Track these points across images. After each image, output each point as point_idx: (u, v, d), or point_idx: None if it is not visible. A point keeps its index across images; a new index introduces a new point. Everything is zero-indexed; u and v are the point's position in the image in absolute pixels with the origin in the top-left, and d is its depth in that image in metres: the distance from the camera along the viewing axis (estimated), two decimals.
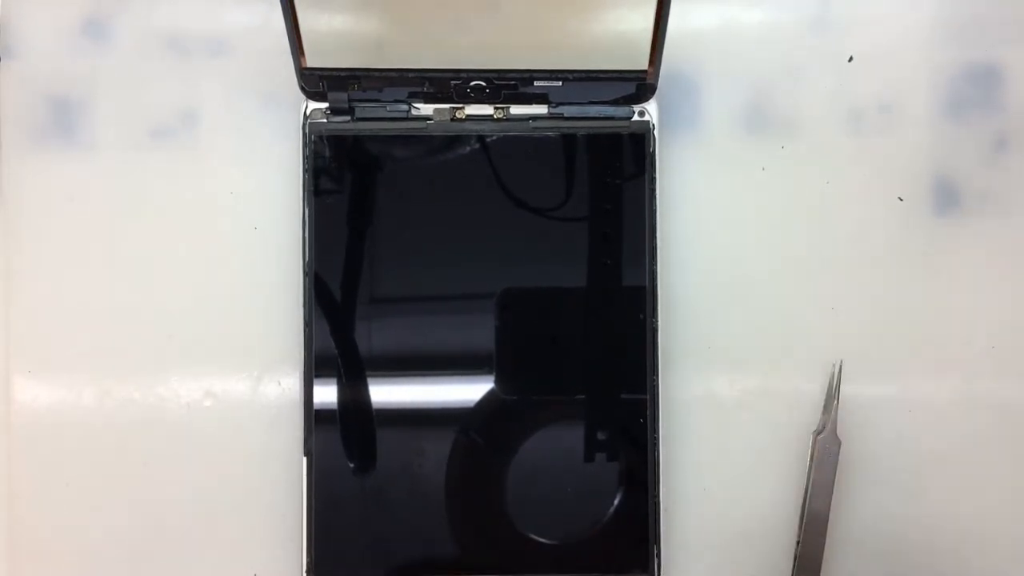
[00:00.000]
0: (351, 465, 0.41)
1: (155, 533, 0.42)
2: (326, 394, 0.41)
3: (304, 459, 0.41)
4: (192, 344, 0.43)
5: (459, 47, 0.40)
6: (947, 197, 0.43)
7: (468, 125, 0.41)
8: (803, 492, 0.42)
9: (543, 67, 0.40)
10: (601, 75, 0.40)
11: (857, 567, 0.42)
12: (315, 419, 0.41)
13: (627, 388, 0.41)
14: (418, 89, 0.40)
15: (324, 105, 0.41)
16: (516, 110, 0.41)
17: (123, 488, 0.42)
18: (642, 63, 0.40)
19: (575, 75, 0.40)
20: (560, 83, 0.40)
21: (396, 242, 0.41)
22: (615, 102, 0.41)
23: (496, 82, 0.40)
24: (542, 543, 0.41)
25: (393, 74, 0.40)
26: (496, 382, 0.41)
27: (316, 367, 0.41)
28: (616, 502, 0.41)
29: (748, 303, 0.43)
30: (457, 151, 0.41)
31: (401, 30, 0.40)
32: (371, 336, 0.41)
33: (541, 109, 0.41)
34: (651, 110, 0.41)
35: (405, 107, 0.41)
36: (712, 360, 0.43)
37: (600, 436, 0.41)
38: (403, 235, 0.41)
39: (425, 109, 0.41)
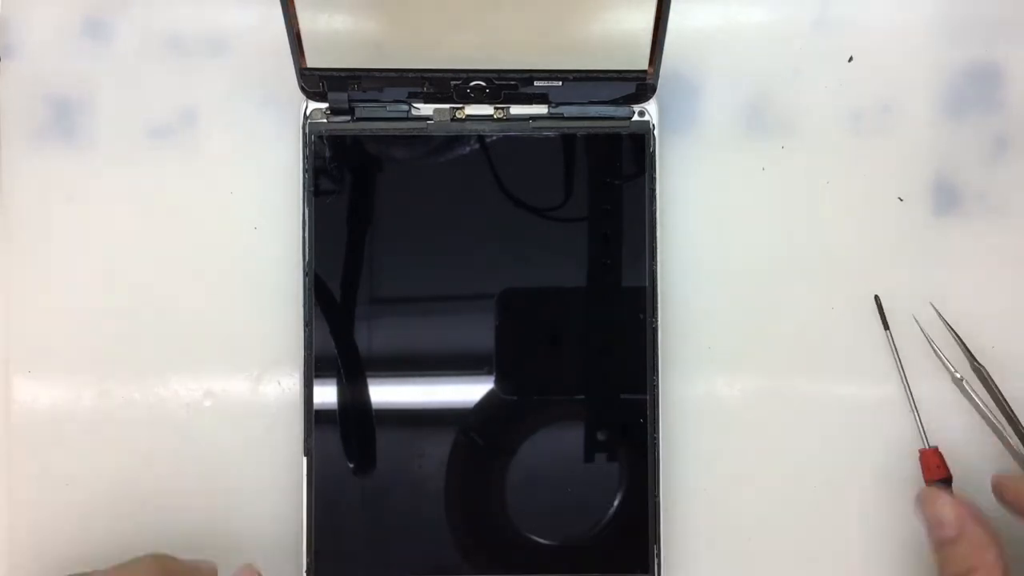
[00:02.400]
0: (351, 465, 0.41)
1: (155, 533, 0.42)
2: (326, 394, 0.41)
3: (304, 459, 0.41)
4: (192, 344, 0.43)
5: (459, 47, 0.40)
6: (947, 197, 0.43)
7: (468, 125, 0.41)
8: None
9: (543, 67, 0.40)
10: (601, 75, 0.40)
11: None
12: (315, 419, 0.41)
13: (627, 388, 0.41)
14: (418, 89, 0.40)
15: (324, 105, 0.41)
16: (516, 110, 0.41)
17: (123, 488, 0.42)
18: (642, 63, 0.40)
19: (575, 75, 0.40)
20: (560, 83, 0.40)
21: (396, 242, 0.41)
22: (615, 102, 0.41)
23: (496, 82, 0.40)
24: (542, 543, 0.41)
25: (393, 74, 0.40)
26: (496, 382, 0.41)
27: (316, 367, 0.41)
28: (616, 502, 0.41)
29: (748, 303, 0.43)
30: (457, 151, 0.41)
31: (401, 30, 0.40)
32: (371, 336, 0.41)
33: (541, 109, 0.41)
34: (651, 110, 0.41)
35: (405, 107, 0.41)
36: (712, 360, 0.43)
37: (600, 436, 0.41)
38: (403, 235, 0.41)
39: (425, 109, 0.41)
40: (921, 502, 0.39)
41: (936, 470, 0.41)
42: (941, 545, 0.38)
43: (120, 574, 0.37)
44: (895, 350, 0.42)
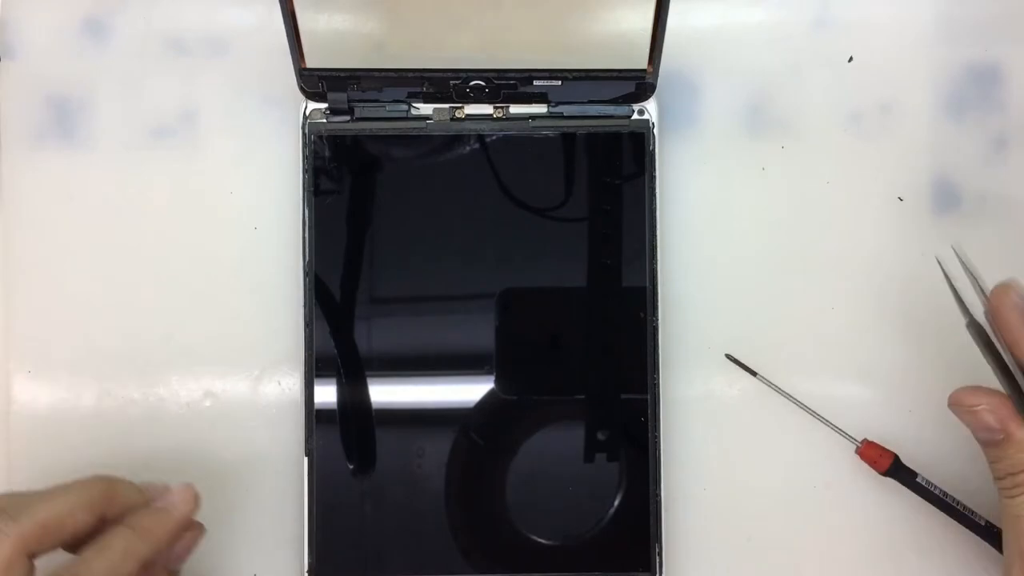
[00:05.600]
0: (351, 465, 0.41)
1: None
2: (326, 394, 0.41)
3: (304, 459, 0.41)
4: (192, 344, 0.43)
5: (459, 47, 0.40)
6: (947, 197, 0.43)
7: (468, 125, 0.41)
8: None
9: (542, 66, 0.40)
10: (601, 74, 0.40)
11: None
12: (315, 419, 0.41)
13: (627, 388, 0.41)
14: (417, 89, 0.41)
15: (324, 105, 0.41)
16: (516, 109, 0.41)
17: None
18: (642, 62, 0.40)
19: (574, 74, 0.40)
20: (559, 82, 0.40)
21: (396, 242, 0.41)
22: (615, 101, 0.41)
23: (495, 82, 0.40)
24: (542, 543, 0.41)
25: (392, 74, 0.40)
26: (496, 382, 0.41)
27: (316, 367, 0.41)
28: (617, 502, 0.41)
29: (748, 303, 0.43)
30: (457, 151, 0.42)
31: (401, 30, 0.41)
32: (371, 336, 0.41)
33: (541, 108, 0.41)
34: (651, 109, 0.41)
35: (405, 107, 0.41)
36: (712, 360, 0.43)
37: (600, 436, 0.41)
38: (403, 235, 0.41)
39: (424, 109, 0.41)
40: (956, 407, 0.37)
41: (881, 460, 0.41)
42: (987, 445, 0.36)
43: (58, 493, 0.35)
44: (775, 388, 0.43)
